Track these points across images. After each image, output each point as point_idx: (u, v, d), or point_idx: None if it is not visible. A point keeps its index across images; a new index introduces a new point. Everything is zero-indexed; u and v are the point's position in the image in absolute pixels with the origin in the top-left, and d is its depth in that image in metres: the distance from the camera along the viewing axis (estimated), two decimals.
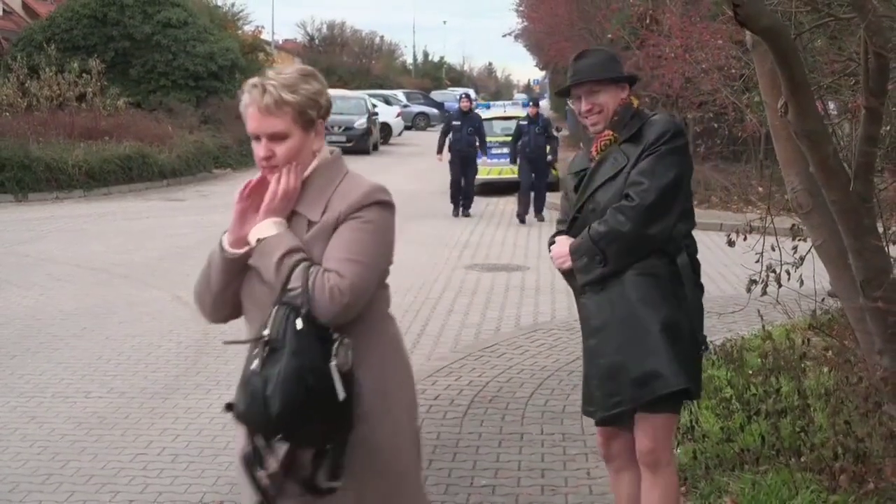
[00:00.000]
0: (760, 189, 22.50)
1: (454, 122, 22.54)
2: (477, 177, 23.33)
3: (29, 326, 11.25)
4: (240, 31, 43.21)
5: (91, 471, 7.00)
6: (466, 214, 21.89)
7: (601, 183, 4.77)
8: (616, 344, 4.68)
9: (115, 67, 33.35)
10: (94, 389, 8.96)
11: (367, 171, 16.75)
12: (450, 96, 66.25)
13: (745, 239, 7.63)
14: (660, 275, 4.71)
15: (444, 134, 22.94)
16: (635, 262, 4.67)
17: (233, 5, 44.12)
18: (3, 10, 45.68)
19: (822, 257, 6.07)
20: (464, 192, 22.15)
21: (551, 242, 4.95)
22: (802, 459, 5.90)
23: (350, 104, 42.16)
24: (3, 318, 11.65)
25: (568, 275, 4.85)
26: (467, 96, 23.64)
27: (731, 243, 7.64)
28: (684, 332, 4.70)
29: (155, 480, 6.84)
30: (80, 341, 10.70)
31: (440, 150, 22.72)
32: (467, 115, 22.41)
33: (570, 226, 4.88)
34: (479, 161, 23.16)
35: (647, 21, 10.65)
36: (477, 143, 22.45)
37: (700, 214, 21.39)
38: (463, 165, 22.14)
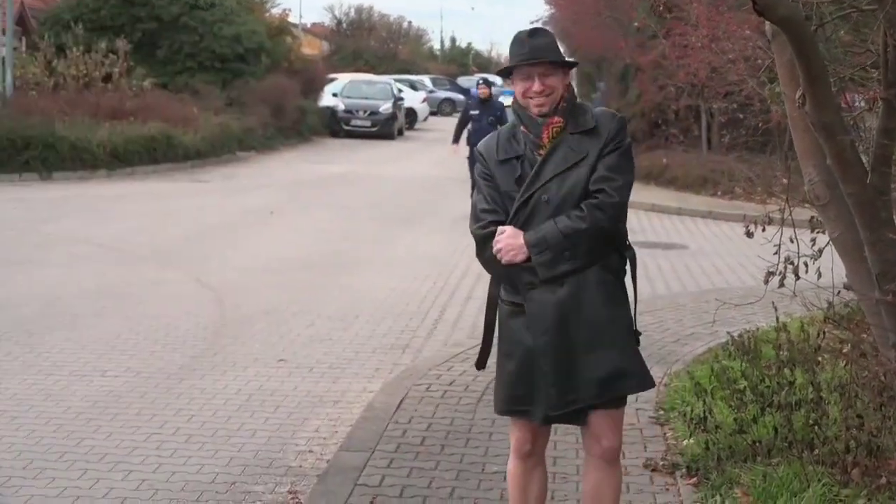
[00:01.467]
0: (784, 181, 22.41)
1: (472, 112, 20.26)
2: None
3: (49, 304, 11.30)
4: (266, 14, 43.14)
5: (105, 449, 7.03)
6: None
7: (557, 173, 4.65)
8: (581, 340, 4.59)
9: (141, 48, 33.39)
10: (110, 368, 8.99)
11: (390, 156, 16.97)
12: (474, 82, 66.07)
13: (763, 230, 7.57)
14: (616, 269, 4.71)
15: (461, 124, 21.01)
16: (598, 258, 4.63)
17: None
18: None
19: (839, 249, 6.05)
20: None
21: (489, 233, 4.68)
22: (815, 452, 5.86)
23: (376, 89, 42.22)
24: (24, 295, 11.70)
25: (513, 267, 4.63)
26: (485, 82, 20.94)
27: (749, 234, 7.59)
28: (632, 327, 4.78)
29: (168, 460, 6.86)
30: (99, 320, 10.74)
31: (456, 140, 21.16)
32: (487, 103, 20.16)
33: (513, 216, 4.68)
34: None
35: (661, 8, 10.56)
36: None
37: (723, 205, 21.52)
38: None
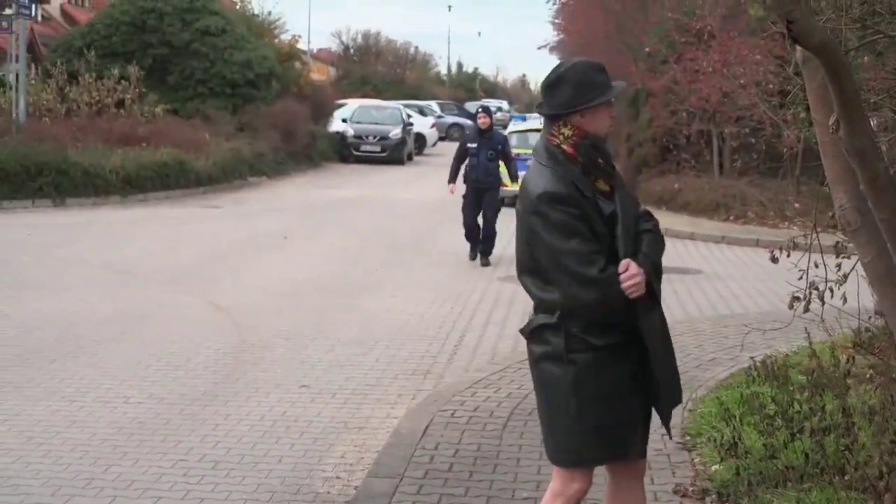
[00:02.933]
0: (797, 205, 22.46)
1: (470, 145, 17.36)
2: (507, 189, 18.63)
3: (67, 330, 11.31)
4: (276, 40, 43.31)
5: (132, 476, 7.03)
6: (486, 262, 16.89)
7: (629, 201, 4.90)
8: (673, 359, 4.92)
9: (152, 74, 33.52)
10: (133, 395, 8.99)
11: (401, 181, 16.94)
12: (475, 110, 65.82)
13: (788, 255, 7.57)
14: None
15: (457, 160, 17.80)
16: None
17: (269, 14, 44.33)
18: (42, 17, 45.98)
19: (870, 275, 6.05)
20: (484, 233, 17.14)
21: (613, 273, 4.55)
22: (846, 478, 5.86)
23: (385, 114, 42.34)
24: (41, 320, 11.72)
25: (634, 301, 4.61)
26: (485, 110, 17.72)
27: (774, 260, 7.58)
28: None
29: (196, 487, 6.86)
30: (118, 346, 10.75)
31: (453, 179, 17.80)
32: (486, 135, 17.26)
33: (624, 251, 4.66)
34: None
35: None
36: (500, 169, 17.40)
37: (736, 230, 21.55)
38: (479, 200, 17.10)
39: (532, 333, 4.81)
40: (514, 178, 16.98)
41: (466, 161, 17.33)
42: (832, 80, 4.92)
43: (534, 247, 4.69)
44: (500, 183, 17.39)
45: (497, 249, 17.37)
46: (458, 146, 18.20)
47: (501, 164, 17.39)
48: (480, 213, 17.08)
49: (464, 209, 17.18)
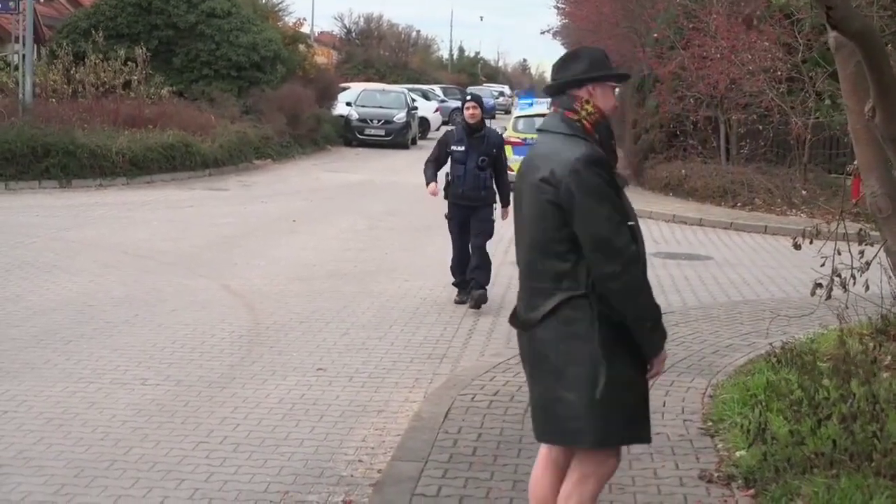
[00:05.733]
0: (804, 192, 22.44)
1: (454, 148, 12.41)
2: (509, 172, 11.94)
3: (81, 312, 11.31)
4: (280, 23, 43.20)
5: (154, 458, 7.03)
6: (477, 305, 12.13)
7: None
8: None
9: (157, 56, 33.38)
10: (150, 377, 8.99)
11: (406, 164, 16.78)
12: (486, 92, 65.63)
13: (811, 242, 7.58)
14: None
15: (433, 164, 12.73)
16: None
17: None
18: None
19: None
20: (475, 262, 12.33)
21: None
22: (872, 465, 5.86)
23: (390, 98, 42.26)
24: (54, 302, 11.72)
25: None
26: (475, 99, 12.54)
27: (797, 246, 7.59)
28: None
29: (219, 469, 6.86)
30: (132, 328, 10.75)
31: (430, 180, 12.60)
32: (477, 135, 12.33)
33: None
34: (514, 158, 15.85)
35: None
36: (493, 182, 12.41)
37: (744, 216, 21.54)
38: (464, 223, 12.48)
39: (545, 318, 4.73)
40: (505, 199, 12.27)
41: (448, 168, 12.62)
42: (870, 67, 4.91)
43: (555, 217, 4.66)
44: (493, 198, 12.48)
45: (506, 233, 12.02)
46: (435, 145, 12.89)
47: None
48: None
49: (452, 234, 12.74)
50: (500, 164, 12.43)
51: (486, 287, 12.34)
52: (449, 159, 12.55)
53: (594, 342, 4.62)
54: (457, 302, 12.40)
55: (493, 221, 12.51)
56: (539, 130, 4.95)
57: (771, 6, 21.13)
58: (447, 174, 12.55)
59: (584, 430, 4.72)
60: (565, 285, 4.68)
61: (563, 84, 4.86)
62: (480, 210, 12.39)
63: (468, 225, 12.44)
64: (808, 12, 11.47)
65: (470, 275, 12.32)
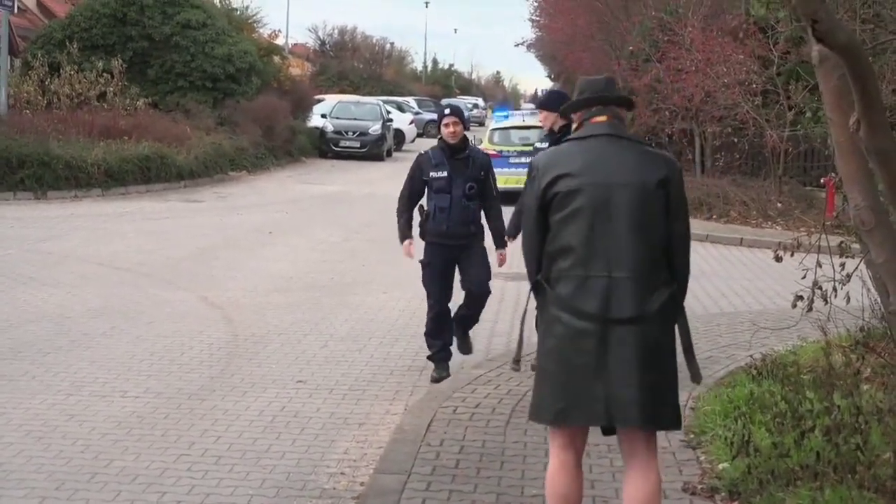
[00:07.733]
0: (779, 205, 22.54)
1: (433, 174, 9.60)
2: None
3: (59, 325, 11.25)
4: (255, 35, 43.12)
5: (135, 470, 6.99)
6: (465, 345, 10.14)
7: None
8: None
9: (133, 67, 33.29)
10: (130, 389, 8.95)
11: (382, 176, 16.67)
12: (461, 104, 65.50)
13: (792, 255, 7.60)
14: None
15: (408, 201, 9.84)
16: None
17: (247, 8, 44.01)
18: (18, 8, 45.64)
19: (885, 275, 6.06)
20: (473, 310, 9.96)
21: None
22: (856, 477, 5.87)
23: (365, 110, 42.26)
24: (32, 314, 11.66)
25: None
26: (455, 113, 9.71)
27: (778, 259, 7.61)
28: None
29: (200, 482, 6.82)
30: (110, 340, 10.70)
31: (406, 233, 9.80)
32: (460, 157, 9.64)
33: None
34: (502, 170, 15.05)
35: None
36: (482, 216, 9.79)
37: (720, 228, 21.55)
38: (448, 269, 9.78)
39: (655, 315, 4.99)
40: (501, 238, 9.92)
41: (425, 202, 9.87)
42: (855, 80, 4.93)
43: (663, 215, 5.07)
44: (483, 234, 9.86)
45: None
46: (406, 177, 9.89)
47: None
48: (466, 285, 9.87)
49: (426, 282, 9.88)
50: (488, 190, 9.73)
51: (469, 332, 10.14)
52: (425, 189, 9.80)
53: (684, 332, 5.14)
54: (434, 380, 9.47)
55: (488, 265, 9.81)
56: (607, 136, 5.19)
57: (747, 19, 21.25)
58: (421, 207, 9.85)
59: (678, 413, 5.12)
60: (664, 277, 5.09)
61: (615, 98, 5.37)
62: (472, 248, 9.70)
63: (452, 270, 9.80)
64: (787, 25, 11.47)
65: (463, 312, 9.93)
